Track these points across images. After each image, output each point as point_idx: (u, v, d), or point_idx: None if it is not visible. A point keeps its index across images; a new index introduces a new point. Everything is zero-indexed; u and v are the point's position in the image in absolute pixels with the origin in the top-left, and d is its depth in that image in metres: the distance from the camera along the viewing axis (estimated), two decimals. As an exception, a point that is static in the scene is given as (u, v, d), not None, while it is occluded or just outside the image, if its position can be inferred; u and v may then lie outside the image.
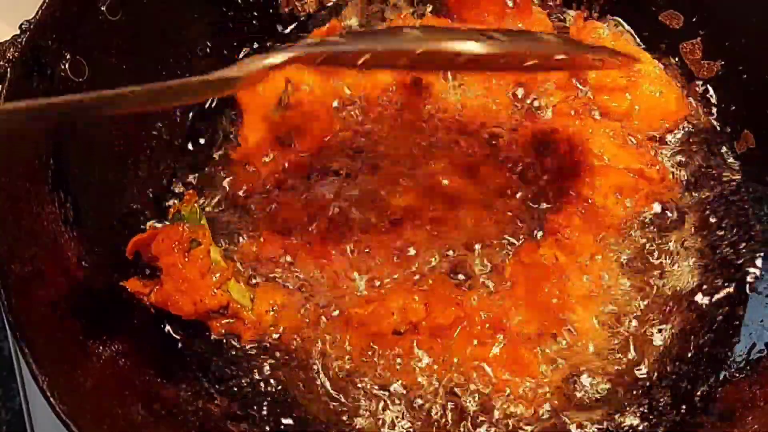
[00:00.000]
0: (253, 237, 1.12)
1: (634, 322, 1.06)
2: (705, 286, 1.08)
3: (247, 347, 1.07)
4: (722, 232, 1.11)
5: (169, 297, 1.05)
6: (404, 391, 1.04)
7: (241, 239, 1.13)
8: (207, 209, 1.14)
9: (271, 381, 1.06)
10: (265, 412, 1.04)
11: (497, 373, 1.03)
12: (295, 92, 1.13)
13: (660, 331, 1.06)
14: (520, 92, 1.16)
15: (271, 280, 1.10)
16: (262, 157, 1.16)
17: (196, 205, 1.13)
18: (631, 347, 1.05)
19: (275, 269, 1.11)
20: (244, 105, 1.17)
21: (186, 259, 1.05)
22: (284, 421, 1.04)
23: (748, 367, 1.03)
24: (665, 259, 1.09)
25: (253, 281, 1.10)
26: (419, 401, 1.03)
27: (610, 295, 1.07)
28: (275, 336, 1.07)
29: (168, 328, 1.08)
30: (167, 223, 1.12)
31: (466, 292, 1.07)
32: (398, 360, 1.04)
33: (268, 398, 1.05)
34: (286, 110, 1.14)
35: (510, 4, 1.20)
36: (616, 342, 1.05)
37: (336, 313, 1.07)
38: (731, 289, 1.08)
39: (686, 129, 1.17)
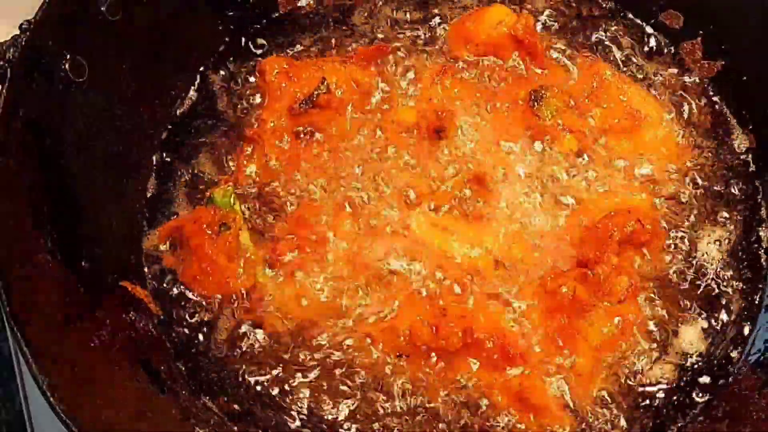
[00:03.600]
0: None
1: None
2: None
3: (256, 345, 1.06)
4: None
5: (195, 277, 1.06)
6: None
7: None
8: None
9: (277, 384, 1.05)
10: (269, 412, 1.04)
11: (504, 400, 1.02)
12: (327, 93, 1.13)
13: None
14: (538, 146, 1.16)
15: (297, 273, 1.08)
16: (275, 141, 1.15)
17: (230, 189, 1.12)
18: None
19: (304, 261, 1.09)
20: (271, 90, 1.16)
21: (215, 242, 1.06)
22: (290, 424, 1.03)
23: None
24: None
25: (281, 270, 1.09)
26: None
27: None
28: (291, 326, 1.06)
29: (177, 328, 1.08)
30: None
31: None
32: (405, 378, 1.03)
33: (272, 399, 1.04)
34: (313, 107, 1.13)
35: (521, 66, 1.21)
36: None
37: (351, 323, 1.06)
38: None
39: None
